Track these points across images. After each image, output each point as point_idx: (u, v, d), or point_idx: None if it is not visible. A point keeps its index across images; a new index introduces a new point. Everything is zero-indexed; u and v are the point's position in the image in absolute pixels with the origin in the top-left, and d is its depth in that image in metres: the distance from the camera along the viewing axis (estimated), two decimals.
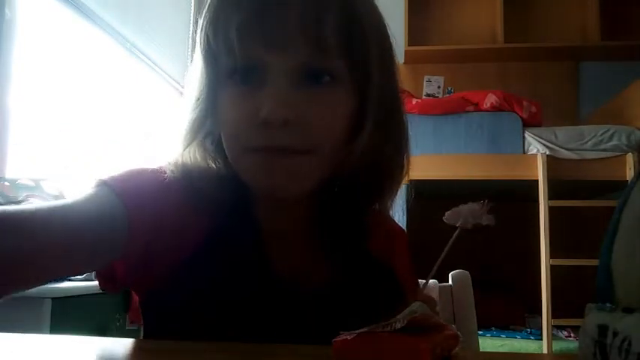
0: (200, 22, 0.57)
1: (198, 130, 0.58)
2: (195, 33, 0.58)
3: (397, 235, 0.72)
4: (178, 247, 0.55)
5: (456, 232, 0.45)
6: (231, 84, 0.54)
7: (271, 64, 0.52)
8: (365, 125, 0.56)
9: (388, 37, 0.60)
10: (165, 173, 0.57)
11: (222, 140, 0.57)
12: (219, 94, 0.56)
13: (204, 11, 0.56)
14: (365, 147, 0.56)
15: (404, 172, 0.62)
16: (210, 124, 0.58)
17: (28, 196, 1.35)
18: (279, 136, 0.51)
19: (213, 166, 0.59)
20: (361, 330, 0.40)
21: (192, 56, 0.64)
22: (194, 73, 0.59)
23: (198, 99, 0.58)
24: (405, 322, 0.39)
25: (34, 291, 1.11)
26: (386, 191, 0.62)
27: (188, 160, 0.59)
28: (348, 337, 0.40)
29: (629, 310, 0.33)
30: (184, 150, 0.59)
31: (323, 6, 0.52)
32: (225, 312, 0.53)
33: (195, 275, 0.55)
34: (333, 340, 0.41)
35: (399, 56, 3.74)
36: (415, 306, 0.41)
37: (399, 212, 2.61)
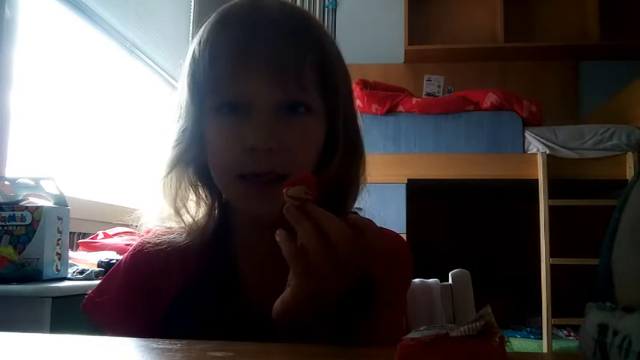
0: (189, 55, 0.63)
1: (180, 159, 0.64)
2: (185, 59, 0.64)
3: (384, 239, 0.72)
4: (169, 288, 0.65)
5: None
6: (218, 116, 0.61)
7: (256, 100, 0.59)
8: (337, 149, 0.64)
9: (347, 69, 0.68)
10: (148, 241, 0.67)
11: (210, 168, 0.63)
12: (206, 125, 0.62)
13: (193, 48, 0.62)
14: (335, 169, 0.63)
15: (360, 187, 0.69)
16: (193, 153, 0.64)
17: (28, 196, 1.35)
18: (265, 161, 0.58)
19: (192, 192, 0.66)
20: (426, 334, 0.38)
21: None
22: (179, 104, 0.65)
23: (184, 130, 0.64)
24: (480, 327, 0.37)
25: (34, 291, 1.11)
26: (347, 206, 0.68)
27: (168, 186, 0.65)
28: (418, 342, 0.38)
29: (629, 310, 0.33)
30: (166, 176, 0.65)
31: (302, 49, 0.60)
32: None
33: (182, 309, 0.64)
34: (400, 344, 0.39)
35: (399, 56, 3.75)
36: (484, 311, 0.40)
37: (399, 212, 2.62)
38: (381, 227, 0.70)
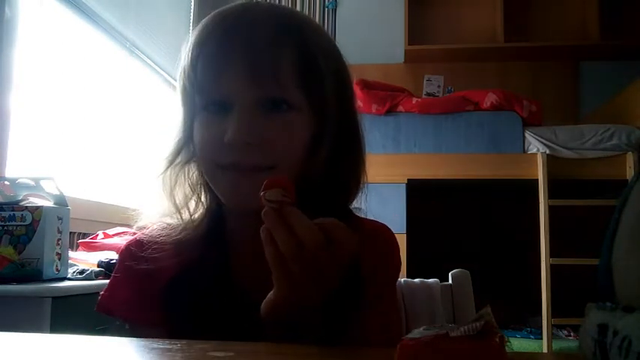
0: (181, 63, 0.67)
1: (177, 154, 0.68)
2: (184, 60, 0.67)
3: (369, 233, 0.72)
4: (162, 272, 0.66)
5: None
6: (205, 113, 0.64)
7: (236, 98, 0.61)
8: (322, 145, 0.65)
9: (345, 67, 0.69)
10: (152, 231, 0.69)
11: (199, 163, 0.67)
12: (195, 123, 0.65)
13: (184, 55, 0.66)
14: (323, 164, 0.65)
15: (360, 185, 0.70)
16: (189, 151, 0.68)
17: (28, 196, 1.35)
18: (244, 155, 0.60)
19: (188, 188, 0.69)
20: (426, 334, 0.38)
21: None
22: (177, 105, 0.69)
23: (180, 129, 0.68)
24: (480, 327, 0.37)
25: (34, 291, 1.11)
26: (343, 200, 0.69)
27: (167, 181, 0.68)
28: (418, 342, 0.38)
29: (629, 310, 0.33)
30: (166, 170, 0.68)
31: (280, 47, 0.62)
32: (197, 329, 0.59)
33: (174, 297, 0.66)
34: (400, 344, 0.39)
35: (399, 56, 3.74)
36: (484, 311, 0.40)
37: (399, 212, 2.62)
38: (364, 219, 0.71)
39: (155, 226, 0.69)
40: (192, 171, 0.69)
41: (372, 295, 0.65)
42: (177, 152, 0.68)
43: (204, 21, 0.66)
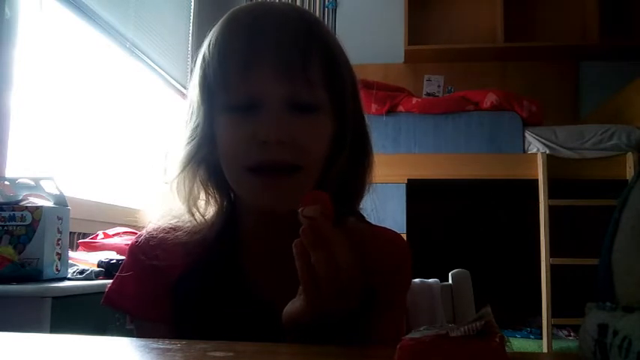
0: (200, 56, 0.65)
1: (193, 156, 0.66)
2: (196, 54, 0.66)
3: (382, 241, 0.72)
4: (172, 269, 0.67)
5: None
6: (229, 113, 0.63)
7: (267, 96, 0.61)
8: (345, 145, 0.65)
9: (353, 71, 0.70)
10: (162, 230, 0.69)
11: (222, 164, 0.65)
12: (217, 123, 0.64)
13: (203, 47, 0.64)
14: (345, 166, 0.65)
15: (368, 186, 0.70)
16: (204, 152, 0.66)
17: (28, 196, 1.35)
18: (276, 152, 0.60)
19: (200, 189, 0.68)
20: (426, 334, 0.38)
21: (192, 57, 0.68)
22: (191, 104, 0.67)
23: (196, 128, 0.66)
24: (480, 327, 0.38)
25: (34, 291, 1.11)
26: (355, 202, 0.70)
27: (181, 185, 0.67)
28: (418, 342, 0.38)
29: (629, 310, 0.33)
30: (179, 174, 0.66)
31: (308, 47, 0.62)
32: (207, 328, 0.59)
33: (183, 294, 0.66)
34: (400, 344, 0.39)
35: (399, 56, 3.73)
36: (484, 311, 0.40)
37: (399, 212, 2.62)
38: (378, 226, 0.71)
39: (165, 226, 0.69)
40: (203, 171, 0.68)
41: (383, 302, 0.65)
42: (192, 153, 0.66)
43: (224, 20, 0.65)
